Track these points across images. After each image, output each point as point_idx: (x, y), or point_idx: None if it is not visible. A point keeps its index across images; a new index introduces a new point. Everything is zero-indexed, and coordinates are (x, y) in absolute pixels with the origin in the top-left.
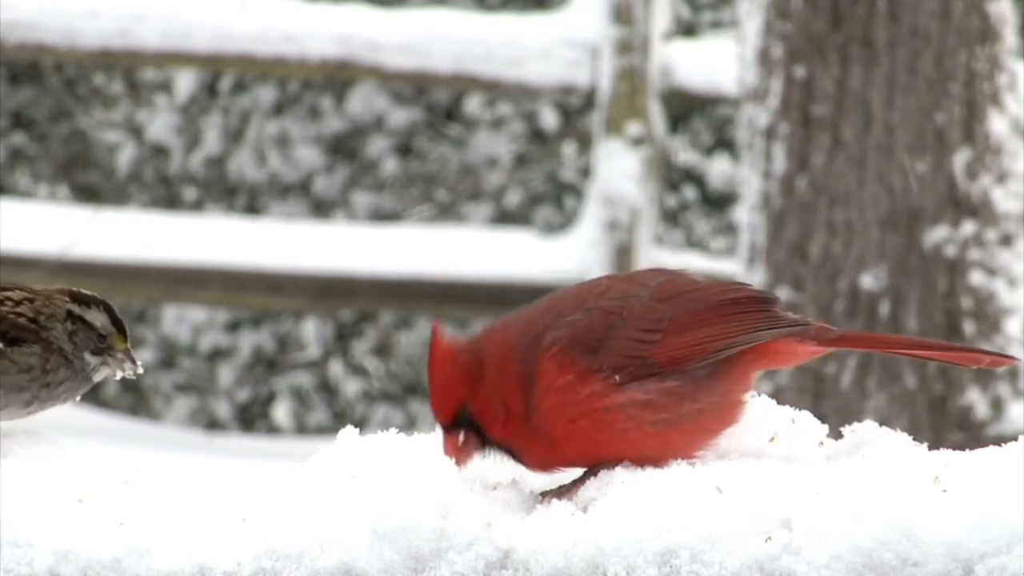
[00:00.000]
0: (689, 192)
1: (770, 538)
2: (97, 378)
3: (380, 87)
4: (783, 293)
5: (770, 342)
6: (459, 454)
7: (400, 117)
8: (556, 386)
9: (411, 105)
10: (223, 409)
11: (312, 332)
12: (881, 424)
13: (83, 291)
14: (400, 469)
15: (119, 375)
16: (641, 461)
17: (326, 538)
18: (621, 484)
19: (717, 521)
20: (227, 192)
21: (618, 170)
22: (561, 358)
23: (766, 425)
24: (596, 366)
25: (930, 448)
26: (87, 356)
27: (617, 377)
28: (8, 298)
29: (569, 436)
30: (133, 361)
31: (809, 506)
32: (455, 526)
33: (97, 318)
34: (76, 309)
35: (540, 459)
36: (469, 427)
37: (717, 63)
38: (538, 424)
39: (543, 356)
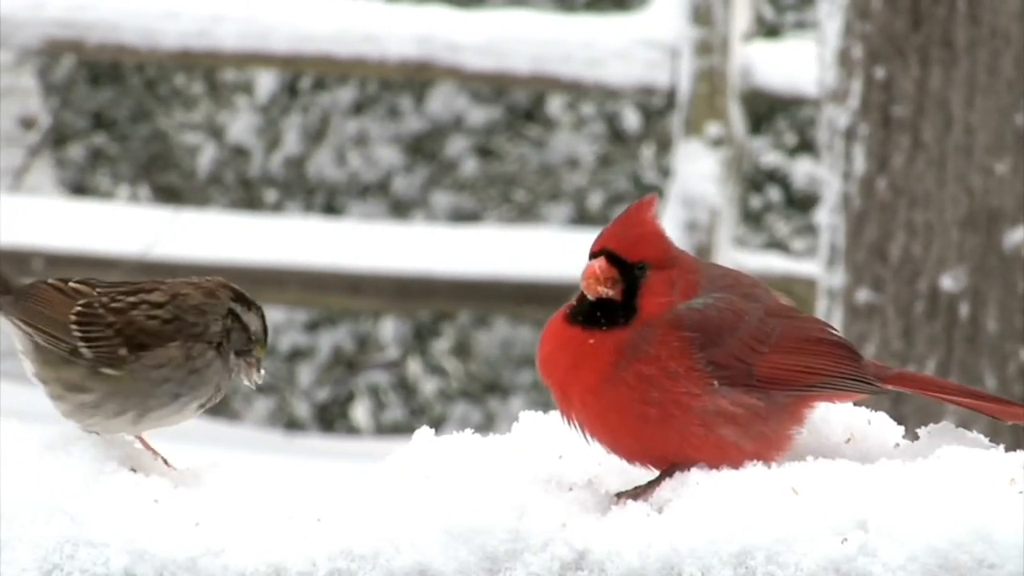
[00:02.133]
0: (773, 193)
1: (846, 539)
2: (235, 378)
3: (459, 87)
4: (863, 294)
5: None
6: (606, 283)
7: (479, 117)
8: (664, 365)
9: (490, 105)
10: (302, 409)
11: (391, 332)
12: (960, 426)
13: (245, 292)
14: (475, 469)
15: (245, 381)
16: (686, 460)
17: (401, 538)
18: (696, 485)
19: (793, 522)
20: (306, 192)
21: (697, 171)
22: (684, 343)
23: (842, 426)
24: (703, 362)
25: (1007, 450)
26: (232, 356)
27: (715, 380)
28: (146, 300)
29: (626, 410)
30: (259, 371)
31: (885, 507)
32: (530, 527)
33: (253, 321)
34: (237, 308)
35: (595, 359)
36: (628, 278)
37: (797, 64)
38: (628, 370)
39: (671, 324)
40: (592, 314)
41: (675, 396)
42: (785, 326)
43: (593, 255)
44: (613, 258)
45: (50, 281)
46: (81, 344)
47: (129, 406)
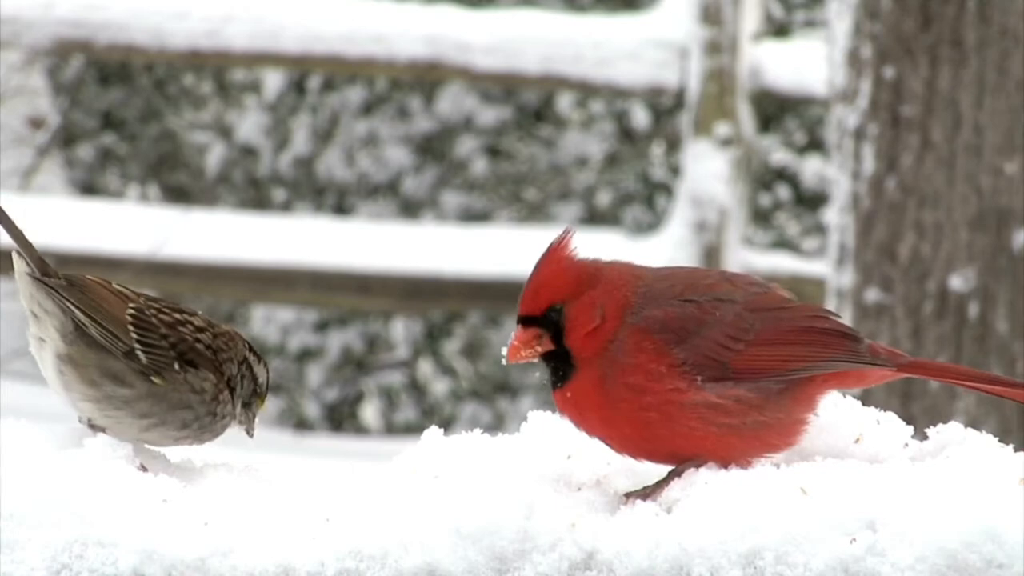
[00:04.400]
0: (782, 191)
1: (855, 539)
2: (234, 425)
3: (469, 87)
4: (872, 294)
5: (846, 373)
6: (526, 347)
7: (489, 117)
8: (646, 368)
9: (500, 105)
10: (312, 409)
11: (401, 332)
12: (970, 426)
13: (255, 346)
14: (484, 469)
15: (244, 430)
16: (694, 457)
17: (410, 538)
18: (705, 485)
19: (801, 522)
20: (316, 192)
21: (706, 171)
22: (655, 347)
23: (851, 426)
24: (681, 360)
25: (1016, 450)
26: (240, 405)
27: (698, 377)
28: (190, 322)
29: (634, 421)
30: (253, 424)
31: (894, 507)
32: (539, 527)
33: (261, 373)
34: (251, 358)
35: (606, 427)
36: (548, 327)
37: (806, 64)
38: (613, 383)
39: (639, 331)
40: (554, 373)
41: (665, 395)
42: (766, 319)
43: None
44: (526, 320)
45: (91, 277)
46: (138, 347)
47: (152, 413)
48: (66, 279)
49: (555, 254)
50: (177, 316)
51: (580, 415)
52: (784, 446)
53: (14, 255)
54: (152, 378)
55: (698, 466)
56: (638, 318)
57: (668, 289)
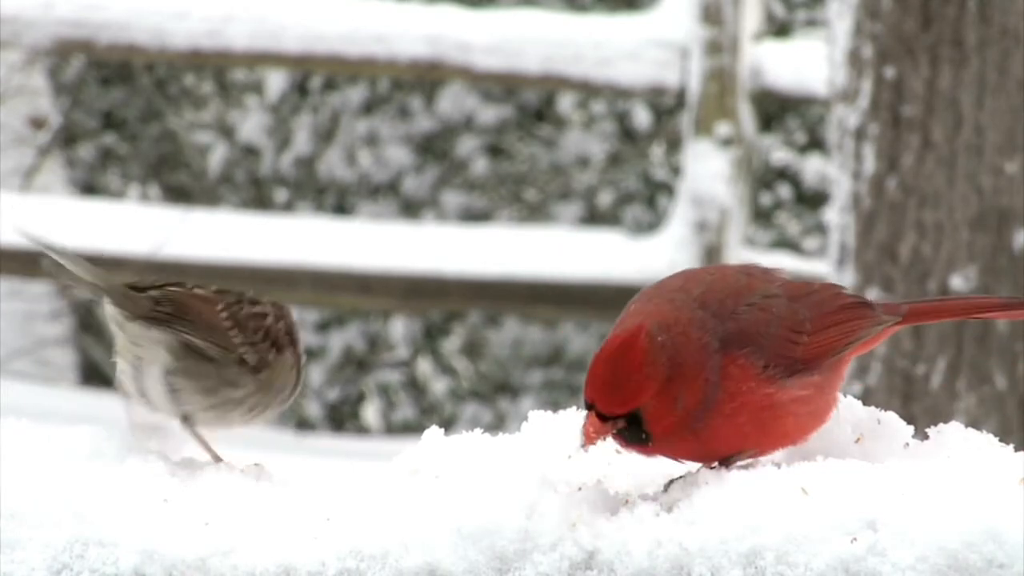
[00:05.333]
0: (783, 191)
1: (855, 539)
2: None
3: (470, 87)
4: (873, 294)
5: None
6: (601, 435)
7: (490, 117)
8: (740, 391)
9: (501, 105)
10: (313, 409)
11: (401, 332)
12: (971, 426)
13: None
14: (485, 469)
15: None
16: (775, 447)
17: (410, 538)
18: (705, 485)
19: (802, 522)
20: (317, 192)
21: (707, 171)
22: (744, 364)
23: (852, 426)
24: (763, 365)
25: (1017, 449)
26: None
27: (780, 377)
28: (260, 305)
29: (731, 435)
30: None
31: (894, 507)
32: (540, 527)
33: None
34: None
35: (682, 453)
36: (631, 419)
37: (807, 64)
38: (706, 423)
39: (729, 362)
40: (633, 437)
41: (759, 406)
42: (811, 307)
43: (586, 404)
44: (609, 417)
45: (172, 287)
46: (242, 349)
47: (259, 404)
48: (156, 299)
49: (635, 353)
50: (253, 307)
51: (692, 457)
52: (830, 415)
53: (105, 304)
54: (259, 375)
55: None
56: (715, 346)
57: (721, 304)
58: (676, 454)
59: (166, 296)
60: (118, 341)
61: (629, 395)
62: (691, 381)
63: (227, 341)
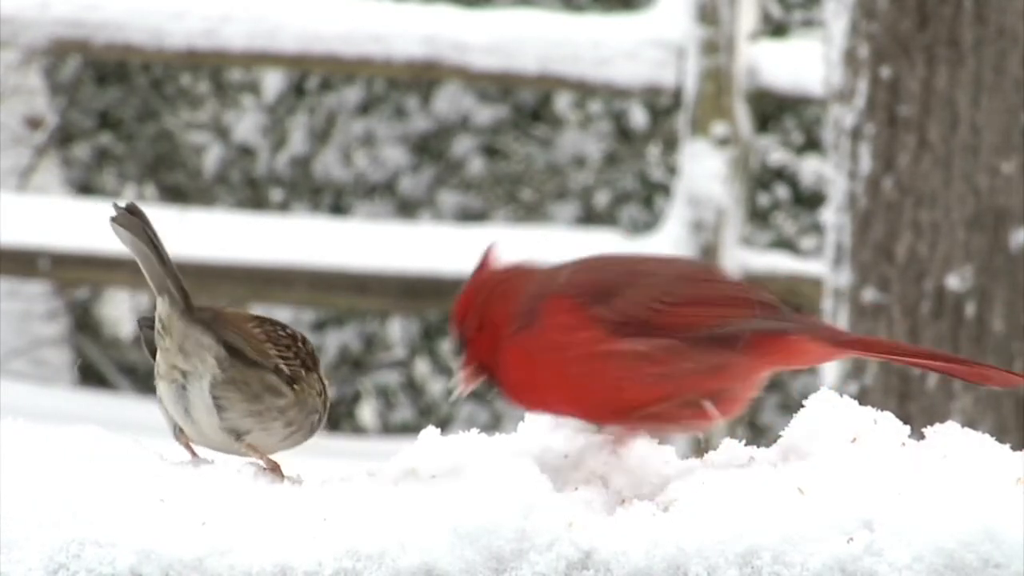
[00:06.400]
0: (780, 191)
1: (852, 539)
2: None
3: (466, 87)
4: (869, 294)
5: (776, 338)
6: (465, 375)
7: (486, 117)
8: (557, 324)
9: (497, 105)
10: None
11: (398, 332)
12: (967, 425)
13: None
14: (481, 469)
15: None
16: (631, 407)
17: (407, 538)
18: (702, 484)
19: (799, 522)
20: (313, 192)
21: (703, 170)
22: (571, 300)
23: (848, 426)
24: (599, 314)
25: (1014, 449)
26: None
27: (624, 333)
28: (293, 334)
29: (563, 381)
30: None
31: (891, 507)
32: (537, 526)
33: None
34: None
35: (518, 388)
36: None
37: (804, 63)
38: (531, 358)
39: (553, 294)
40: (491, 384)
41: (587, 346)
42: (692, 286)
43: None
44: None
45: (207, 305)
46: (279, 361)
47: (295, 420)
48: (200, 309)
49: (475, 273)
50: (280, 328)
51: (518, 395)
52: (721, 389)
53: (159, 300)
54: (294, 387)
55: (645, 419)
56: (561, 282)
57: (591, 267)
58: (531, 397)
59: (209, 308)
60: (162, 357)
61: (458, 315)
62: (494, 296)
63: (264, 350)
